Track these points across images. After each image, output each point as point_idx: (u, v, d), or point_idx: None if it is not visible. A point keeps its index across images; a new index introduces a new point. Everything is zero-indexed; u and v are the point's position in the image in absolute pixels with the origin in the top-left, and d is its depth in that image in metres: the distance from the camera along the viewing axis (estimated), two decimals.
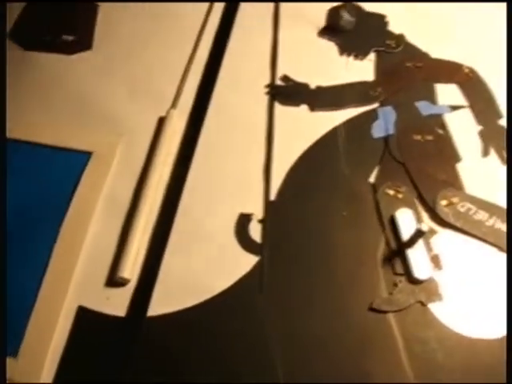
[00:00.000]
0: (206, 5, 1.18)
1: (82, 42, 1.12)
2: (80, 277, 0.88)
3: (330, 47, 1.13)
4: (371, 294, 0.87)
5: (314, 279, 0.88)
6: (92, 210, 0.93)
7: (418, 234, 0.85)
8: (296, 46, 1.12)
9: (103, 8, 1.18)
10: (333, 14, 1.16)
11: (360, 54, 1.11)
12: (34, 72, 1.08)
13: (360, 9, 1.15)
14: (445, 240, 0.91)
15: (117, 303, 0.86)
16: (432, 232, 0.91)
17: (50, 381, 0.81)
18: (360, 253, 0.90)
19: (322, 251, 0.90)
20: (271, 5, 1.19)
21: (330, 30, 1.14)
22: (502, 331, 0.83)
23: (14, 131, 0.99)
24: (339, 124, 1.02)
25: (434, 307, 0.86)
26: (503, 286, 0.87)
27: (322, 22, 1.15)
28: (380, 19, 1.16)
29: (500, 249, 0.90)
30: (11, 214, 0.92)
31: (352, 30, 1.14)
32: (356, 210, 0.94)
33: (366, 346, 0.83)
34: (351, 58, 1.11)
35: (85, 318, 0.85)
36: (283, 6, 1.18)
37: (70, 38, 1.12)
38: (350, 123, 1.03)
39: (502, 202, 0.93)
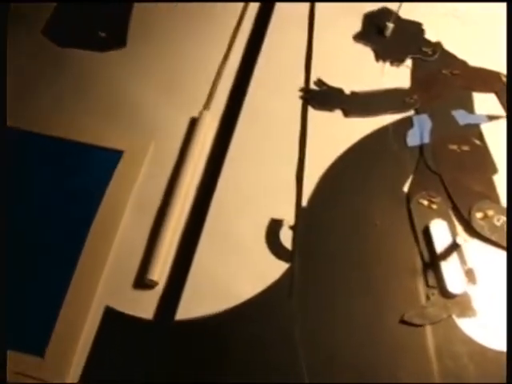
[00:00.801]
0: (240, 5, 1.18)
1: (116, 39, 1.12)
2: (109, 277, 0.88)
3: (365, 52, 1.11)
4: (403, 306, 0.85)
5: (344, 288, 0.87)
6: (122, 209, 0.93)
7: (454, 246, 0.84)
8: (331, 49, 1.11)
9: (138, 6, 1.18)
10: (370, 19, 1.15)
11: (396, 60, 1.09)
12: (68, 69, 1.08)
13: (397, 15, 1.13)
14: (480, 253, 0.89)
15: (145, 305, 0.85)
16: (467, 245, 0.89)
17: (76, 381, 0.81)
18: (392, 263, 0.89)
19: (353, 260, 0.89)
20: (307, 6, 1.17)
21: (366, 34, 1.13)
22: None
23: (47, 128, 0.99)
24: (374, 131, 1.01)
25: (465, 322, 0.84)
26: None
27: (358, 26, 1.14)
28: (417, 26, 1.14)
29: None
30: (42, 211, 0.92)
31: (389, 36, 1.12)
32: (389, 220, 0.92)
33: (396, 358, 0.82)
34: (387, 65, 1.09)
35: (112, 319, 0.84)
36: (319, 7, 1.17)
37: (104, 34, 1.11)
38: (385, 130, 1.01)
39: None
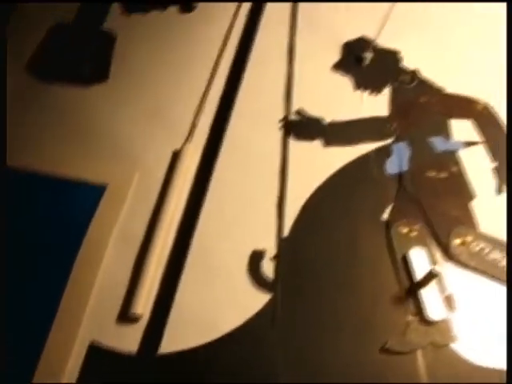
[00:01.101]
0: (221, 36, 1.20)
1: (99, 73, 1.14)
2: (93, 312, 0.89)
3: (345, 82, 1.13)
4: (384, 334, 0.86)
5: (326, 318, 0.88)
6: (106, 243, 0.94)
7: (431, 276, 0.85)
8: (311, 80, 1.13)
9: (120, 39, 1.20)
10: (349, 49, 1.17)
11: (375, 89, 1.11)
12: (51, 104, 1.10)
13: (375, 44, 1.15)
14: (459, 280, 0.91)
15: (129, 339, 0.86)
16: (445, 272, 0.91)
17: None
18: (373, 292, 0.90)
19: (334, 289, 0.90)
20: (286, 38, 1.19)
21: (345, 64, 1.15)
22: None
23: (30, 163, 1.00)
24: (353, 160, 1.02)
25: (448, 349, 0.85)
26: None
27: (337, 56, 1.16)
28: (394, 55, 1.16)
29: None
30: (26, 247, 0.93)
31: (367, 65, 1.14)
32: (370, 248, 0.94)
33: None
34: (366, 93, 1.11)
35: (96, 354, 0.85)
36: (299, 39, 1.19)
37: (87, 69, 1.13)
38: (364, 159, 1.03)
39: None
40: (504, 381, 0.81)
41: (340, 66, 1.15)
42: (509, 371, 0.79)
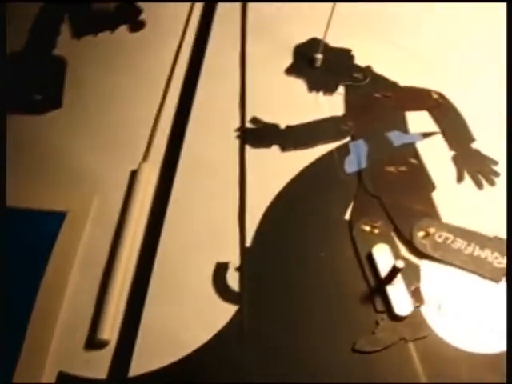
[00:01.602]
0: (172, 53, 1.19)
1: (52, 100, 1.13)
2: (60, 341, 0.87)
3: (298, 85, 1.13)
4: (354, 335, 0.85)
5: (294, 324, 0.87)
6: (69, 270, 0.93)
7: (395, 270, 0.85)
8: (264, 87, 1.13)
9: (71, 63, 1.19)
10: (300, 52, 1.17)
11: (328, 89, 1.11)
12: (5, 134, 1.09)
13: (326, 45, 1.15)
14: (426, 271, 0.90)
15: (98, 365, 0.85)
16: (411, 265, 0.90)
17: None
18: (340, 293, 0.90)
19: (302, 295, 0.89)
20: (238, 47, 1.19)
21: (297, 67, 1.15)
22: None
23: None
24: (312, 162, 1.02)
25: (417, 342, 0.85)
26: (488, 311, 0.87)
27: (289, 60, 1.16)
28: (346, 53, 1.16)
29: (481, 275, 0.89)
30: None
31: (319, 66, 1.14)
32: (334, 250, 0.93)
33: None
34: (321, 95, 1.11)
35: (66, 382, 0.84)
36: (249, 45, 1.19)
37: (40, 97, 1.13)
38: (322, 161, 1.02)
39: (480, 228, 0.93)
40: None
41: (292, 70, 1.15)
42: (509, 371, 0.79)
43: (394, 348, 0.84)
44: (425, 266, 0.91)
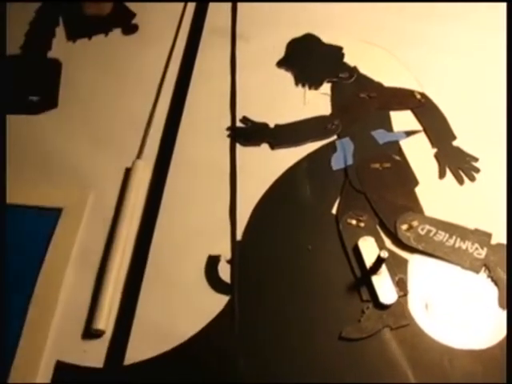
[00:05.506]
0: (165, 53, 1.23)
1: (48, 101, 1.16)
2: (57, 331, 0.90)
3: (287, 84, 1.17)
4: (342, 324, 0.89)
5: (284, 315, 0.90)
6: (65, 265, 0.96)
7: (379, 260, 0.88)
8: (254, 86, 1.17)
9: (66, 65, 1.22)
10: (293, 46, 1.22)
11: (313, 84, 1.15)
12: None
13: (319, 40, 1.19)
14: (410, 263, 0.94)
15: (94, 355, 0.88)
16: (395, 257, 0.94)
17: None
18: (328, 284, 0.93)
19: (291, 287, 0.93)
20: (229, 49, 1.23)
21: (289, 62, 1.19)
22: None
23: None
24: (300, 160, 1.06)
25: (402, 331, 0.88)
26: (470, 302, 0.91)
27: (280, 54, 1.21)
28: (337, 51, 1.20)
29: (461, 266, 0.93)
30: None
31: (308, 62, 1.18)
32: (321, 243, 0.97)
33: (338, 376, 0.85)
34: (308, 93, 1.15)
35: (63, 372, 0.87)
36: (239, 47, 1.23)
37: (36, 98, 1.16)
38: (310, 158, 1.06)
39: (461, 221, 0.97)
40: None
41: (284, 63, 1.19)
42: (509, 370, 0.82)
43: (378, 335, 0.88)
44: (409, 257, 0.95)
